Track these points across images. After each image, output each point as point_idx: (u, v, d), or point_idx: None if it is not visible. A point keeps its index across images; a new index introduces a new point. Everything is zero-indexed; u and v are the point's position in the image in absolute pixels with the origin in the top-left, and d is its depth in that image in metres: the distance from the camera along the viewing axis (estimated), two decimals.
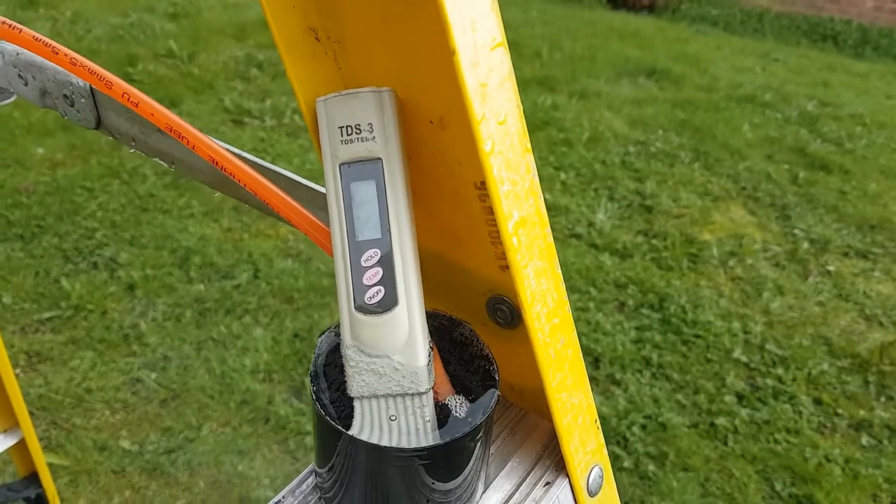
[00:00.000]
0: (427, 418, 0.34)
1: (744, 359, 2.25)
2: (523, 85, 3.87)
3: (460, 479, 0.35)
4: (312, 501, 0.37)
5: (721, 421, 2.04)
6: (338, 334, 0.38)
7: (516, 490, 0.39)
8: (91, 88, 0.55)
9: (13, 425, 1.36)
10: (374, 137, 0.34)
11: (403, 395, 0.34)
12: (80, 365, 1.99)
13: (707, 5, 5.85)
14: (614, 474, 1.48)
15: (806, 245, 2.83)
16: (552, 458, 0.40)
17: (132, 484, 1.71)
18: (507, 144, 0.33)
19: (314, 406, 0.35)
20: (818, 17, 5.87)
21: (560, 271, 0.38)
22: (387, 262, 0.34)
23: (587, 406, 0.40)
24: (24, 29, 0.45)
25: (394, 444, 0.33)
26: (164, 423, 1.84)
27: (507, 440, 0.42)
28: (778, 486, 1.90)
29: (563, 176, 3.08)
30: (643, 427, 2.00)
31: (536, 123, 3.47)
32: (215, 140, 0.40)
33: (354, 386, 0.34)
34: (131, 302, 2.23)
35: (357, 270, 0.34)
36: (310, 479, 0.38)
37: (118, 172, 2.84)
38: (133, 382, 1.96)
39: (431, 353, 0.35)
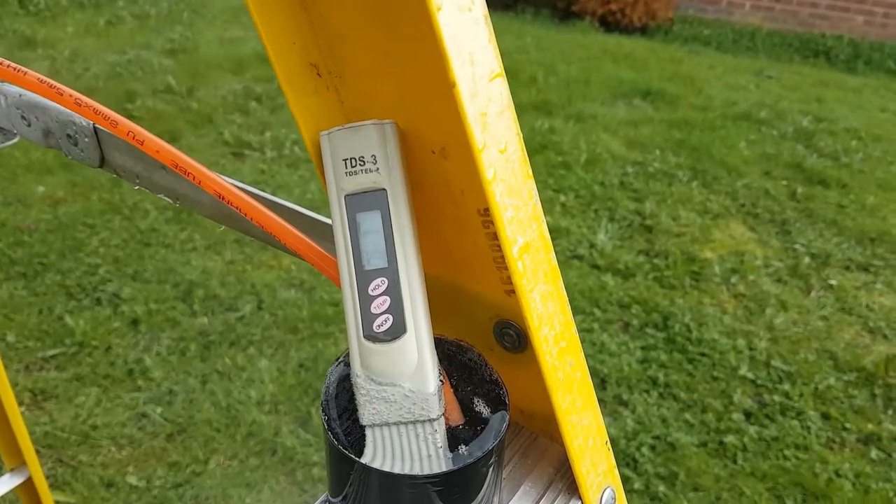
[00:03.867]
0: (439, 444, 0.34)
1: (750, 376, 2.25)
2: (521, 110, 3.90)
3: (470, 502, 0.35)
4: None
5: (730, 439, 2.03)
6: (347, 364, 0.39)
7: None
8: (94, 127, 0.56)
9: (20, 464, 1.36)
10: (377, 169, 0.35)
11: (415, 423, 0.34)
12: (85, 401, 1.99)
13: (699, 25, 5.90)
14: (626, 496, 1.47)
15: (807, 260, 2.83)
16: (564, 481, 0.40)
17: None
18: (509, 171, 0.33)
19: (326, 435, 0.35)
20: (809, 34, 5.92)
21: (565, 293, 0.39)
22: (394, 290, 0.34)
23: (597, 428, 0.40)
24: (29, 71, 0.46)
25: (406, 472, 0.34)
26: (171, 458, 1.84)
27: (518, 464, 0.42)
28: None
29: (562, 198, 3.09)
30: (652, 448, 1.99)
31: (535, 147, 3.49)
32: (220, 175, 0.41)
33: (366, 414, 0.34)
34: (135, 337, 2.23)
35: (365, 299, 0.34)
36: None
37: (119, 208, 2.85)
38: (139, 417, 1.96)
39: (441, 379, 0.36)
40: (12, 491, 1.41)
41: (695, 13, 6.12)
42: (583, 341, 2.28)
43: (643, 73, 4.49)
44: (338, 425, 0.36)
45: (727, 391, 2.19)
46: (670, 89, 4.24)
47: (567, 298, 0.39)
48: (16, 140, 0.65)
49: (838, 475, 1.97)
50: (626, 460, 1.93)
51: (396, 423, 0.34)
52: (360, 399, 0.34)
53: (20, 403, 1.96)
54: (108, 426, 1.92)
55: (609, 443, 0.42)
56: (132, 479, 1.77)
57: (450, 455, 0.34)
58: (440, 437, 0.34)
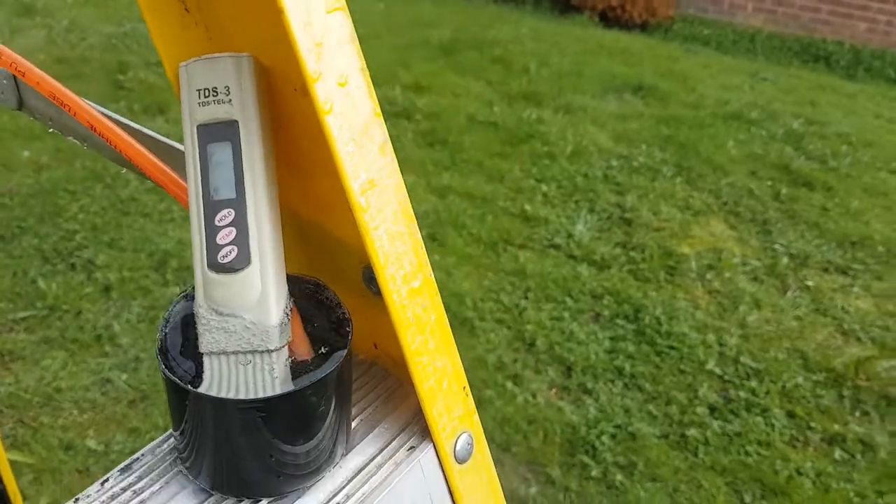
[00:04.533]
0: (276, 375, 0.34)
1: (717, 371, 2.26)
2: (510, 99, 3.90)
3: (307, 437, 0.35)
4: (170, 461, 0.38)
5: (692, 432, 2.04)
6: (187, 299, 0.39)
7: (378, 454, 0.39)
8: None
9: None
10: (230, 100, 0.35)
11: (254, 352, 0.34)
12: (51, 364, 1.99)
13: (700, 25, 5.89)
14: (581, 483, 1.48)
15: (785, 260, 2.84)
16: (420, 425, 0.41)
17: None
18: (349, 105, 0.33)
19: (160, 367, 0.36)
20: (810, 38, 5.90)
21: (420, 237, 0.39)
22: (241, 222, 0.34)
23: (453, 371, 0.41)
24: None
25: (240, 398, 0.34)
26: (131, 424, 1.84)
27: (378, 408, 0.43)
28: (747, 499, 1.90)
29: (544, 188, 3.09)
30: (613, 436, 2.00)
31: (520, 136, 3.49)
32: (95, 106, 0.41)
33: (204, 343, 0.34)
34: (106, 303, 2.23)
35: (211, 230, 0.34)
36: (170, 440, 0.39)
37: (101, 176, 2.85)
38: (103, 383, 1.97)
39: (289, 313, 0.36)
40: None
41: (696, 13, 6.10)
42: (552, 329, 2.29)
43: (637, 69, 4.49)
44: (174, 357, 0.36)
45: (693, 385, 2.20)
46: (663, 86, 4.24)
47: (422, 242, 0.39)
48: None
49: (799, 473, 1.98)
50: (584, 447, 1.94)
51: (235, 353, 0.34)
52: (201, 328, 0.34)
53: None
54: (71, 389, 1.93)
55: (468, 388, 0.42)
56: (91, 443, 1.78)
57: (289, 385, 0.35)
58: (278, 368, 0.34)
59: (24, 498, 1.58)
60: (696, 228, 2.98)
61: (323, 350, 0.37)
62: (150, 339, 2.11)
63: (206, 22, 0.39)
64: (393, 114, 3.58)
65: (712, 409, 2.13)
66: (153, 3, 0.38)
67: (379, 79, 3.91)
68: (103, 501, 0.35)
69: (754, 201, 3.20)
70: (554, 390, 2.13)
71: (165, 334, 0.37)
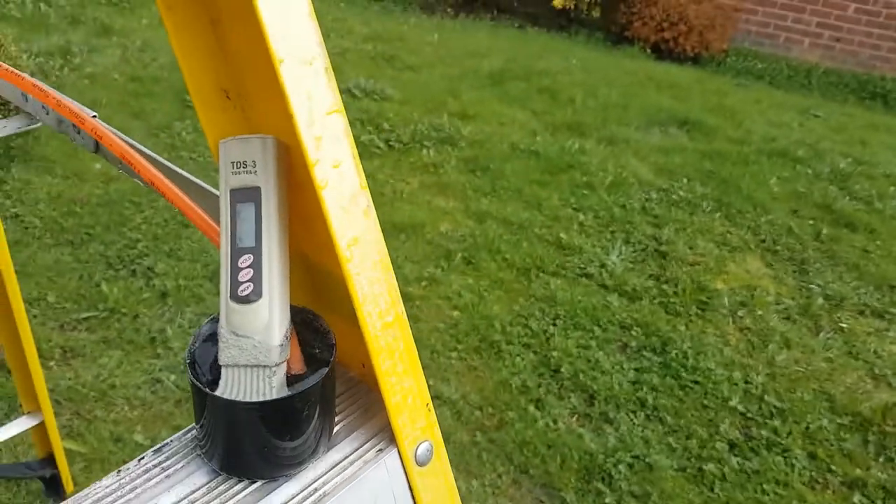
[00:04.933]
0: (273, 385, 0.45)
1: (741, 408, 2.29)
2: (553, 129, 3.99)
3: (295, 435, 0.46)
4: (191, 447, 0.49)
5: (710, 467, 2.08)
6: (214, 322, 0.50)
7: (353, 453, 0.50)
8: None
9: (35, 408, 1.51)
10: (256, 171, 0.46)
11: (259, 366, 0.45)
12: (108, 363, 2.15)
13: (754, 59, 5.89)
14: None
15: (821, 301, 2.85)
16: (389, 433, 0.51)
17: None
18: (339, 181, 0.44)
19: (187, 373, 0.47)
20: (869, 75, 5.85)
21: (395, 281, 0.50)
22: (257, 264, 0.46)
23: (418, 391, 0.51)
24: (25, 76, 0.59)
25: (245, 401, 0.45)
26: (176, 422, 1.98)
27: (358, 417, 0.53)
28: None
29: (581, 217, 3.17)
30: (630, 466, 2.06)
31: (561, 166, 3.57)
32: (154, 156, 0.53)
33: (223, 357, 0.45)
34: (162, 308, 2.39)
35: (235, 270, 0.46)
36: (193, 431, 0.50)
37: None
38: (153, 382, 2.12)
39: (289, 336, 0.47)
40: (27, 432, 1.56)
41: (751, 46, 6.11)
42: (578, 357, 2.37)
43: (684, 103, 4.53)
44: (200, 367, 0.47)
45: (715, 420, 2.24)
46: (709, 120, 4.28)
47: (396, 285, 0.49)
48: (39, 125, 0.79)
49: None
50: (601, 475, 2.01)
51: (245, 366, 0.45)
52: (221, 345, 0.45)
53: (51, 359, 2.15)
54: (124, 387, 2.08)
55: (431, 405, 0.52)
56: (138, 437, 1.93)
57: (284, 393, 0.46)
58: (276, 379, 0.45)
59: (75, 483, 1.73)
60: (732, 265, 3.02)
61: (314, 366, 0.48)
62: None
63: (244, 107, 0.51)
64: (438, 140, 3.71)
65: (732, 446, 2.17)
66: (202, 93, 0.50)
67: (427, 107, 4.06)
68: (139, 474, 0.47)
69: (793, 240, 3.22)
70: (575, 417, 2.20)
71: (195, 349, 0.48)
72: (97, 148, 0.71)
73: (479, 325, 2.47)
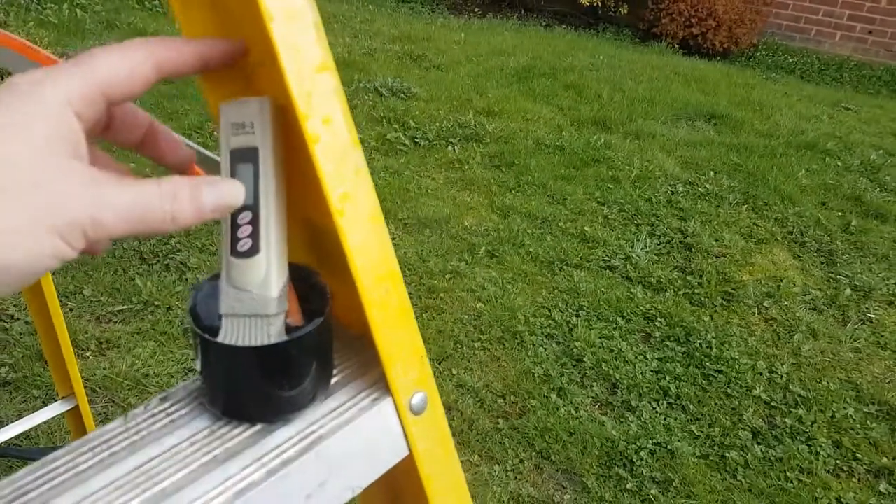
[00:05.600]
0: (271, 334, 0.49)
1: (765, 397, 2.29)
2: (579, 124, 4.00)
3: (292, 380, 0.50)
4: (195, 395, 0.53)
5: (732, 454, 2.09)
6: (215, 279, 0.54)
7: (349, 400, 0.53)
8: None
9: (69, 393, 1.58)
10: (254, 132, 0.50)
11: (257, 315, 0.49)
12: (142, 353, 2.22)
13: (784, 53, 5.82)
14: (616, 494, 1.59)
15: (848, 291, 2.83)
16: (385, 383, 0.55)
17: None
18: (330, 136, 0.47)
19: (189, 321, 0.51)
20: None
21: (388, 237, 0.53)
22: (255, 221, 0.49)
23: (411, 342, 0.54)
24: (40, 49, 0.63)
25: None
26: None
27: (357, 370, 0.56)
28: None
29: (605, 210, 3.18)
30: (651, 453, 2.07)
31: (587, 160, 3.58)
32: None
33: (223, 307, 0.49)
34: None
35: (234, 226, 0.49)
36: (196, 381, 0.54)
37: None
38: (185, 371, 2.18)
39: (286, 289, 0.50)
40: (62, 416, 1.63)
41: (781, 41, 6.04)
42: (600, 347, 2.38)
43: (711, 97, 4.51)
44: (202, 318, 0.51)
45: (738, 409, 2.24)
46: (737, 114, 4.25)
47: (389, 241, 0.53)
48: None
49: (840, 502, 2.00)
50: (622, 461, 2.02)
51: (244, 315, 0.49)
52: (222, 297, 0.49)
53: (87, 349, 2.22)
54: (158, 376, 2.15)
55: (425, 357, 0.55)
56: None
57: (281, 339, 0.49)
58: (274, 328, 0.49)
59: None
60: (758, 256, 3.00)
61: (310, 319, 0.52)
62: None
63: (247, 76, 0.55)
64: (463, 137, 3.74)
65: (756, 434, 2.16)
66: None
67: (453, 104, 4.09)
68: (146, 419, 0.50)
69: (821, 232, 3.19)
70: (597, 405, 2.21)
71: (197, 301, 0.52)
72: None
73: (502, 316, 2.49)
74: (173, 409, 0.52)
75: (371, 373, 0.57)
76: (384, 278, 0.53)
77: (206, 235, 2.81)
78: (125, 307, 2.41)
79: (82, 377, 1.57)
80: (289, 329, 0.51)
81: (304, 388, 0.51)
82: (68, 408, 1.59)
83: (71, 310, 2.34)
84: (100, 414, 2.01)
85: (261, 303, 0.49)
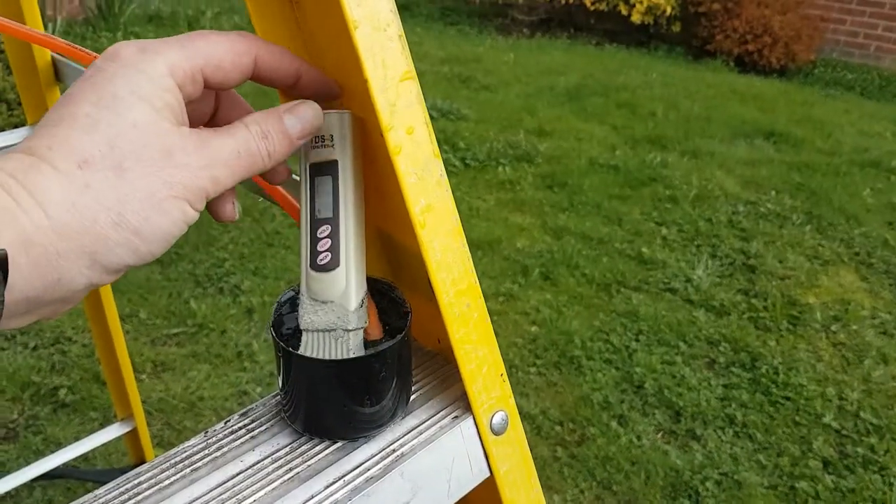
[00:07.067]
0: (351, 347, 0.46)
1: (835, 425, 2.19)
2: (634, 143, 3.94)
3: (373, 396, 0.47)
4: (275, 411, 0.50)
5: (802, 485, 1.99)
6: (294, 292, 0.52)
7: (429, 419, 0.50)
8: None
9: (128, 415, 1.58)
10: (333, 145, 0.48)
11: (336, 330, 0.46)
12: (196, 375, 2.23)
13: (843, 69, 5.68)
14: None
15: None
16: (465, 402, 0.51)
17: None
18: (414, 147, 0.45)
19: (270, 335, 0.48)
20: None
21: (468, 251, 0.50)
22: (335, 234, 0.47)
23: (492, 360, 0.51)
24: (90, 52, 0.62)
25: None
26: None
27: (435, 387, 0.54)
28: None
29: (664, 231, 3.10)
30: (718, 483, 1.98)
31: (642, 180, 3.52)
32: None
33: (303, 322, 0.47)
34: (248, 324, 2.47)
35: (314, 240, 0.47)
36: (277, 396, 0.52)
37: (250, 212, 3.15)
38: (240, 394, 2.18)
39: (365, 303, 0.48)
40: (121, 438, 1.64)
41: (839, 57, 5.89)
42: (662, 373, 2.31)
43: (770, 115, 4.40)
44: (283, 332, 0.49)
45: (807, 438, 2.14)
46: (796, 132, 4.14)
47: (469, 254, 0.50)
48: None
49: None
50: (687, 492, 1.94)
51: (324, 330, 0.47)
52: (301, 311, 0.47)
53: (143, 371, 2.24)
54: (212, 398, 2.15)
55: (505, 375, 0.52)
56: None
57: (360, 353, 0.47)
58: (353, 342, 0.46)
59: None
60: (824, 278, 2.89)
61: (390, 333, 0.49)
62: None
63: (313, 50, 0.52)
64: (514, 157, 3.71)
65: (826, 464, 2.06)
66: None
67: (503, 124, 4.07)
68: (226, 434, 0.48)
69: (889, 252, 3.06)
70: (660, 434, 2.14)
71: (279, 315, 0.50)
72: None
73: (557, 340, 2.44)
74: (253, 425, 0.49)
75: (450, 390, 0.54)
76: (465, 293, 0.50)
77: (258, 258, 2.83)
78: (180, 330, 2.43)
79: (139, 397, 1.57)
80: (368, 343, 0.49)
81: (385, 405, 0.48)
82: (127, 430, 1.59)
83: (127, 332, 2.36)
84: (156, 436, 2.01)
85: (340, 316, 0.46)
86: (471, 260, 0.50)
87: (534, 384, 2.28)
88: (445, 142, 3.84)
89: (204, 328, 2.44)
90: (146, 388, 2.17)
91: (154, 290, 2.62)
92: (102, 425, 1.99)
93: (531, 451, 1.76)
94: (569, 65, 5.26)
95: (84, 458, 1.92)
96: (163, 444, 1.99)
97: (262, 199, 0.69)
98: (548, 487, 1.94)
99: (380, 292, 0.53)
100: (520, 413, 1.74)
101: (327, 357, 0.46)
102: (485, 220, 3.18)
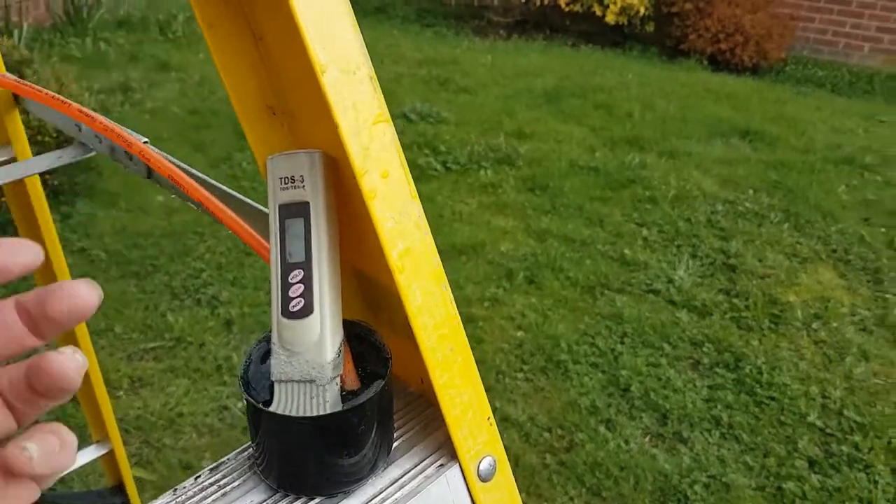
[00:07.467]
0: (326, 400, 0.44)
1: (819, 424, 2.20)
2: (612, 144, 3.94)
3: (352, 450, 0.45)
4: (248, 465, 0.48)
5: (789, 485, 1.99)
6: (266, 341, 0.49)
7: (414, 468, 0.48)
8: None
9: (104, 437, 1.54)
10: (304, 186, 0.45)
11: (311, 382, 0.44)
12: (175, 391, 2.19)
13: (813, 67, 5.72)
14: None
15: None
16: (450, 448, 0.49)
17: None
18: (390, 191, 0.43)
19: (241, 390, 0.46)
20: None
21: (450, 293, 0.48)
22: (308, 280, 0.44)
23: (478, 404, 0.49)
24: (72, 103, 0.60)
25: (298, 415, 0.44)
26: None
27: (418, 432, 0.52)
28: None
29: (644, 232, 3.11)
30: (706, 486, 1.98)
31: (622, 181, 3.52)
32: (205, 178, 0.53)
33: (275, 372, 0.45)
34: (227, 336, 2.43)
35: (285, 285, 0.45)
36: (249, 450, 0.49)
37: None
38: (221, 410, 2.14)
39: (342, 351, 0.46)
40: (98, 461, 1.60)
41: (810, 54, 5.94)
42: (648, 375, 2.30)
43: (744, 113, 4.42)
44: (253, 385, 0.47)
45: (793, 437, 2.15)
46: (771, 130, 4.16)
47: (451, 296, 0.48)
48: (93, 153, 0.81)
49: None
50: (676, 496, 1.94)
51: (298, 381, 0.44)
52: (273, 361, 0.45)
53: (119, 388, 2.20)
54: (192, 415, 2.11)
55: (492, 419, 0.50)
56: (207, 464, 1.95)
57: (338, 409, 0.45)
58: (329, 394, 0.44)
59: None
60: (804, 276, 2.91)
61: (368, 381, 0.47)
62: None
63: (290, 123, 0.51)
64: (495, 160, 3.70)
65: (812, 463, 2.07)
66: (248, 110, 0.50)
67: (483, 127, 4.06)
68: (196, 492, 0.46)
69: (866, 249, 3.08)
70: (648, 437, 2.13)
71: (248, 367, 0.48)
72: (149, 173, 0.72)
73: (544, 344, 2.43)
74: (225, 480, 0.47)
75: (434, 435, 0.52)
76: (448, 337, 0.48)
77: (236, 268, 2.79)
78: (157, 344, 2.39)
79: (115, 417, 1.53)
80: (345, 394, 0.47)
81: (365, 456, 0.46)
82: (103, 452, 1.55)
83: (102, 348, 2.32)
84: (134, 455, 1.97)
85: (315, 367, 0.43)
86: (453, 302, 0.48)
87: (521, 390, 2.26)
88: (426, 145, 3.81)
89: (182, 342, 2.40)
90: (123, 405, 2.12)
91: (129, 303, 2.57)
92: (79, 446, 1.95)
93: (520, 458, 1.75)
94: (545, 66, 5.25)
95: (60, 480, 1.88)
96: (142, 464, 1.95)
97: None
98: (537, 496, 1.93)
99: (358, 337, 0.51)
100: (508, 420, 1.74)
101: (301, 413, 0.44)
102: (468, 224, 3.17)
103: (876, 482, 2.01)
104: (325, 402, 0.44)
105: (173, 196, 0.69)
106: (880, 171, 3.75)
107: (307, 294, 0.45)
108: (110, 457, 1.58)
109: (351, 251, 0.52)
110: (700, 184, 3.54)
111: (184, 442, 2.02)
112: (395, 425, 0.51)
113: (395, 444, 0.50)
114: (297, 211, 0.46)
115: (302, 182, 0.46)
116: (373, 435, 0.46)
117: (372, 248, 0.48)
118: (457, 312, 0.49)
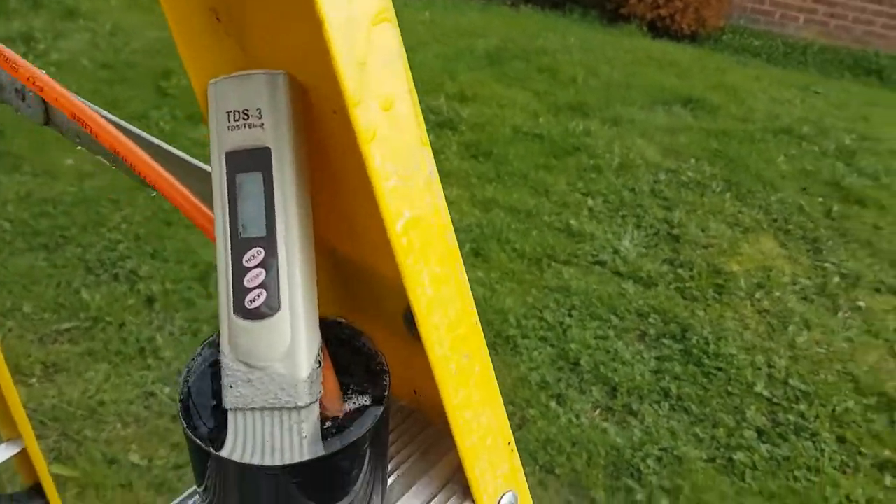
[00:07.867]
0: (304, 434, 0.31)
1: (766, 393, 2.19)
2: (556, 110, 3.85)
3: (336, 499, 0.32)
4: None
5: (739, 456, 1.97)
6: (213, 346, 0.36)
7: None
8: None
9: (15, 436, 1.37)
10: (262, 124, 0.31)
11: (281, 409, 0.31)
12: (94, 377, 2.01)
13: (750, 36, 5.77)
14: None
15: (836, 279, 2.75)
16: (461, 482, 0.37)
17: (138, 499, 1.71)
18: (394, 130, 0.30)
19: (182, 425, 0.33)
20: (863, 52, 5.74)
21: (466, 280, 0.36)
22: (271, 262, 0.31)
23: (498, 427, 0.37)
24: None
25: (265, 462, 0.31)
26: (174, 439, 1.84)
27: (417, 462, 0.39)
28: None
29: (590, 202, 3.04)
30: (658, 459, 1.94)
31: (567, 149, 3.44)
32: (122, 124, 0.39)
33: (229, 398, 0.31)
34: (149, 315, 2.24)
35: (238, 271, 0.31)
36: (195, 498, 0.36)
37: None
38: (146, 396, 1.97)
39: (320, 364, 0.32)
40: (11, 461, 1.42)
41: (746, 24, 5.98)
42: (596, 348, 2.24)
43: (686, 81, 4.41)
44: (198, 412, 0.33)
45: (741, 407, 2.13)
46: (712, 99, 4.15)
47: (468, 285, 0.35)
48: None
49: (850, 500, 1.91)
50: (629, 470, 1.89)
51: (261, 409, 0.31)
52: (225, 381, 0.31)
53: (31, 375, 1.99)
54: (115, 403, 1.94)
55: (513, 444, 0.38)
56: (134, 458, 1.78)
57: (319, 447, 0.31)
58: (307, 426, 0.31)
59: None
60: (746, 246, 2.90)
61: (356, 403, 0.34)
62: (193, 351, 2.11)
63: (239, 34, 0.36)
64: (437, 124, 3.56)
65: (760, 433, 2.06)
66: (180, 11, 0.35)
67: (423, 88, 3.90)
68: None
69: (805, 218, 3.10)
70: (598, 411, 2.07)
71: (189, 388, 0.34)
72: (48, 118, 0.57)
73: (492, 319, 2.33)
74: None
75: (439, 464, 0.40)
76: (464, 340, 0.35)
77: (156, 239, 2.58)
78: (72, 325, 2.18)
79: (28, 408, 1.36)
80: (327, 426, 0.34)
81: (353, 500, 0.34)
82: (15, 452, 1.38)
83: (10, 330, 2.10)
84: (52, 450, 1.78)
85: (286, 388, 0.29)
86: (470, 293, 0.36)
87: None
88: None
89: (99, 321, 2.20)
90: (37, 395, 1.93)
91: (39, 279, 2.34)
92: None
93: None
94: (487, 26, 5.11)
95: None
96: (61, 460, 1.77)
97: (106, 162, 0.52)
98: None
99: (338, 341, 0.37)
100: None
101: (268, 460, 0.31)
102: None
103: (822, 450, 2.02)
104: (302, 437, 0.31)
105: (79, 146, 0.54)
106: (817, 142, 3.78)
107: (270, 283, 0.31)
108: (23, 455, 1.40)
109: (321, 217, 0.38)
110: (644, 152, 3.49)
111: (107, 433, 1.85)
112: (389, 453, 0.38)
113: (391, 480, 0.37)
114: (253, 161, 0.32)
115: (259, 118, 0.31)
116: (363, 477, 0.33)
117: (353, 214, 0.35)
118: (474, 305, 0.37)
